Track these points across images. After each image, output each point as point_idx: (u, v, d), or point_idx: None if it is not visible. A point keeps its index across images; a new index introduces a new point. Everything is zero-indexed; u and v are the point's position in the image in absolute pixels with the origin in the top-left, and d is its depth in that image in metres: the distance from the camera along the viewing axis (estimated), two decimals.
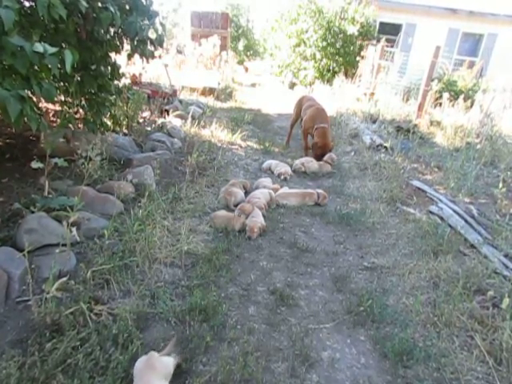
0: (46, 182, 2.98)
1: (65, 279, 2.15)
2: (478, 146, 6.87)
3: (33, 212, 2.71)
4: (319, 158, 5.66)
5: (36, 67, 2.34)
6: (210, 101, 9.39)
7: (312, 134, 5.85)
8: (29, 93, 2.34)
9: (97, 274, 2.38)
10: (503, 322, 2.34)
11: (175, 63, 11.93)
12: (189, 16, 17.40)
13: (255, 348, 2.09)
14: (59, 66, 2.36)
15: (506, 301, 2.39)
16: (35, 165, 2.83)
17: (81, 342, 1.88)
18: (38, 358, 1.75)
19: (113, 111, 4.42)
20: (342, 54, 14.29)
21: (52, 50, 2.13)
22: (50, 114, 4.85)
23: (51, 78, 2.56)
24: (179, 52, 13.63)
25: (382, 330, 2.34)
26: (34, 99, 2.83)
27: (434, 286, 2.82)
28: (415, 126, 8.06)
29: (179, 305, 2.32)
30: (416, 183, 5.05)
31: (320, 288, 2.73)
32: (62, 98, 3.87)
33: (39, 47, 2.08)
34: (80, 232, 2.75)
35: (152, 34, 3.56)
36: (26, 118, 2.28)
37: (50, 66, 2.21)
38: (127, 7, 3.30)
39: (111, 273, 2.43)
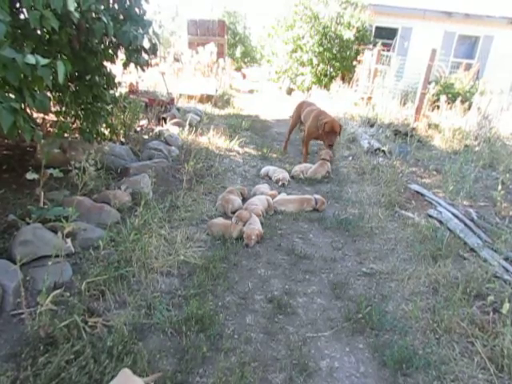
0: (42, 193, 2.97)
1: (59, 291, 2.12)
2: (477, 149, 6.88)
3: (28, 223, 2.70)
4: (330, 136, 5.53)
5: (29, 78, 2.34)
6: (207, 108, 9.41)
7: (316, 137, 5.85)
8: (22, 104, 2.34)
9: (92, 285, 2.36)
10: (504, 327, 2.30)
11: (172, 71, 11.97)
12: (186, 24, 17.50)
13: (252, 358, 2.06)
14: (53, 76, 2.36)
15: (507, 306, 2.36)
16: (30, 176, 2.82)
17: (75, 355, 1.85)
18: (31, 373, 1.73)
19: (109, 120, 4.42)
20: (338, 58, 14.35)
21: (44, 61, 2.13)
22: (48, 125, 4.86)
23: (45, 88, 2.56)
24: (176, 60, 13.68)
25: (381, 337, 2.31)
26: (28, 110, 2.83)
27: (434, 292, 2.80)
28: (413, 129, 8.07)
29: (175, 315, 2.29)
30: (414, 187, 5.04)
31: (318, 295, 2.70)
32: (58, 109, 3.87)
33: (31, 59, 2.08)
34: (76, 242, 2.74)
35: (146, 43, 3.57)
36: (19, 130, 2.28)
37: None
38: (121, 17, 3.31)
39: (106, 283, 2.40)
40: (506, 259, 3.24)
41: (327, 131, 5.51)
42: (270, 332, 2.28)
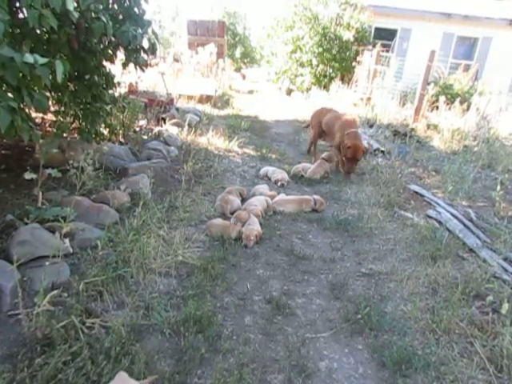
0: (40, 193, 2.96)
1: (56, 292, 2.11)
2: (475, 149, 6.89)
3: (26, 223, 2.69)
4: (350, 163, 5.17)
5: (27, 78, 2.33)
6: (207, 108, 9.40)
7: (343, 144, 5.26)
8: (20, 103, 2.33)
9: (90, 286, 2.35)
10: (503, 327, 2.30)
11: (172, 71, 11.96)
12: (185, 24, 17.51)
13: (251, 359, 2.05)
14: (51, 76, 2.36)
15: (506, 306, 2.36)
16: (28, 176, 2.82)
17: (72, 357, 1.83)
18: (28, 374, 1.71)
19: (108, 120, 4.41)
20: (338, 59, 14.37)
21: (43, 60, 2.12)
22: (46, 125, 4.85)
23: (43, 88, 2.55)
24: (176, 60, 13.68)
25: (380, 338, 2.30)
26: (27, 110, 2.82)
27: (433, 292, 2.79)
28: (412, 129, 8.09)
29: (174, 316, 2.28)
30: (414, 187, 5.04)
31: (317, 296, 2.70)
32: (57, 108, 3.87)
33: (30, 58, 2.07)
34: (74, 243, 2.73)
35: (146, 43, 3.57)
36: (17, 129, 2.27)
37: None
38: (120, 17, 3.31)
39: (104, 284, 2.39)
40: (505, 259, 3.24)
41: (348, 157, 5.14)
42: (269, 333, 2.28)
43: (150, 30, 3.52)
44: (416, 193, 4.89)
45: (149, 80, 8.54)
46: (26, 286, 2.25)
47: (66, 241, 2.57)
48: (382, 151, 6.53)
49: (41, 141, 2.93)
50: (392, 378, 2.02)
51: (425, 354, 2.16)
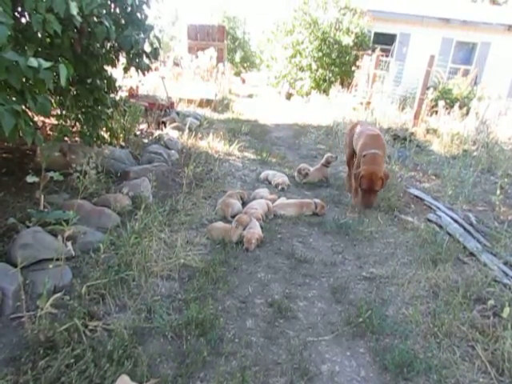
0: (42, 196, 2.97)
1: (59, 295, 2.12)
2: (475, 153, 6.91)
3: (28, 226, 2.69)
4: (367, 195, 4.24)
5: (31, 81, 2.34)
6: (207, 112, 9.44)
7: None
8: (23, 107, 2.35)
9: (92, 289, 2.35)
10: (504, 331, 2.30)
11: (172, 75, 12.01)
12: (185, 29, 17.61)
13: (253, 362, 2.05)
14: (54, 80, 2.37)
15: (507, 310, 2.37)
16: (30, 179, 2.82)
17: (75, 359, 1.84)
18: (31, 377, 1.71)
19: (109, 124, 4.43)
20: (337, 64, 14.45)
21: (46, 64, 2.13)
22: (47, 128, 4.86)
23: (46, 91, 2.56)
24: (176, 64, 13.74)
25: (381, 341, 2.30)
26: (30, 113, 2.83)
27: (434, 296, 2.80)
28: (412, 134, 8.11)
29: (176, 319, 2.28)
30: (414, 191, 5.05)
31: (318, 299, 2.70)
32: (58, 112, 3.88)
33: (33, 62, 2.08)
34: (76, 246, 2.73)
35: (147, 48, 3.59)
36: (20, 132, 2.28)
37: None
38: (122, 21, 3.33)
39: (107, 287, 2.40)
40: (506, 263, 3.25)
41: (364, 188, 4.23)
42: (271, 336, 2.28)
43: (151, 35, 3.55)
44: (416, 197, 4.90)
45: (149, 84, 8.58)
46: (28, 289, 2.25)
47: (68, 244, 2.57)
48: None
49: (42, 144, 2.94)
50: (394, 382, 2.02)
51: (426, 358, 2.17)
